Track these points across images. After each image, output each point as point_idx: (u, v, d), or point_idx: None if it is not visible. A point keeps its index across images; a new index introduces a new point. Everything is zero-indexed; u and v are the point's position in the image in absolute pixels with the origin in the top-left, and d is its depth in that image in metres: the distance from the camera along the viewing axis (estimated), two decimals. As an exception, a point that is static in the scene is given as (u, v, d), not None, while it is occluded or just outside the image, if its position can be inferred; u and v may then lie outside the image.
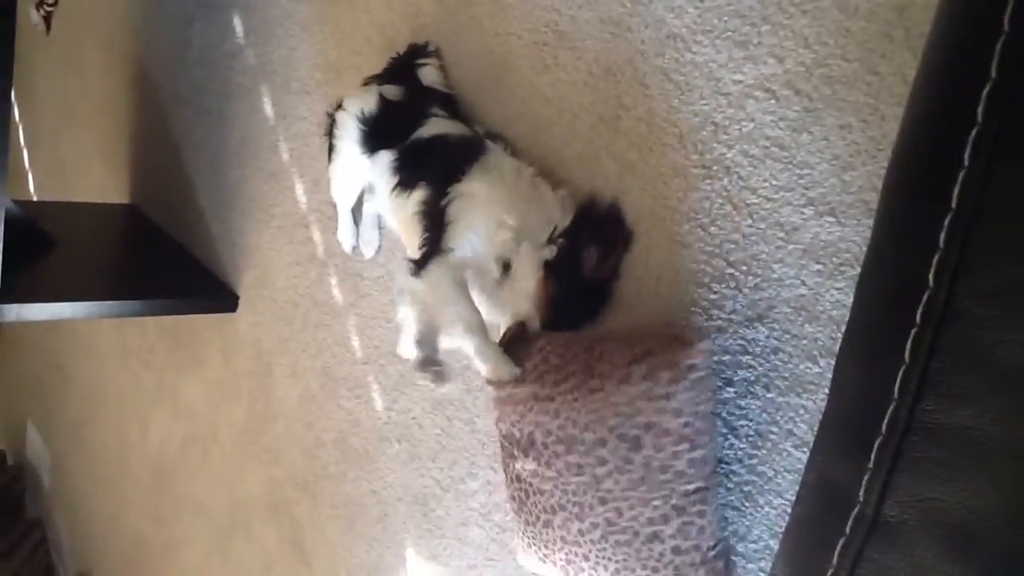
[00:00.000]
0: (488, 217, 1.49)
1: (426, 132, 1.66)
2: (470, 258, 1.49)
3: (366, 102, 1.77)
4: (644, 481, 1.20)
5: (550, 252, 1.44)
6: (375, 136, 1.75)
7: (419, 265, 1.50)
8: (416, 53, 1.87)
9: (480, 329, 1.42)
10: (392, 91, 1.78)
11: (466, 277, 1.49)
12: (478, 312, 1.45)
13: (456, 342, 1.44)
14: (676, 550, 1.20)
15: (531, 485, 1.37)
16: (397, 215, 1.69)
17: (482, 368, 1.41)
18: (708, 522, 1.20)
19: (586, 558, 1.30)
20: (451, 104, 1.81)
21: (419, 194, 1.59)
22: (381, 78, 1.90)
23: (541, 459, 1.33)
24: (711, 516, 1.21)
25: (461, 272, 1.48)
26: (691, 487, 1.19)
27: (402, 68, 1.88)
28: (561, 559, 1.34)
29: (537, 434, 1.33)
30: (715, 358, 1.29)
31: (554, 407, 1.29)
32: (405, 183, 1.64)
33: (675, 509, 1.20)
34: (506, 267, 1.49)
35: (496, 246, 1.48)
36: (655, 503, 1.20)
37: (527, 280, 1.45)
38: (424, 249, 1.53)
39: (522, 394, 1.36)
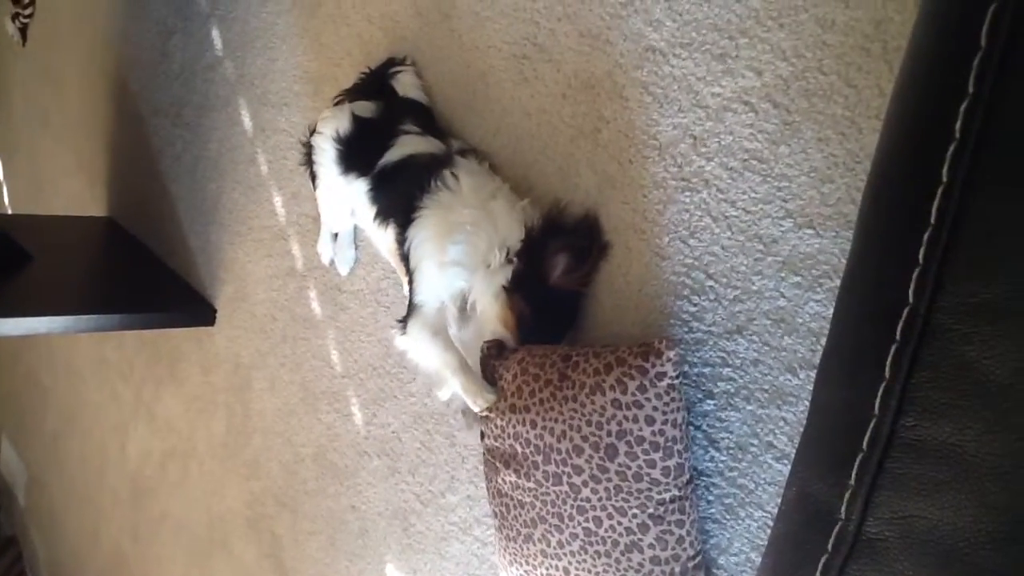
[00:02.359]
0: (435, 260, 1.51)
1: (395, 155, 1.65)
2: (438, 306, 1.54)
3: (339, 122, 1.75)
4: (620, 490, 1.21)
5: (504, 275, 1.44)
6: (351, 157, 1.74)
7: (403, 323, 1.55)
8: (391, 64, 1.86)
9: (461, 368, 1.49)
10: (365, 107, 1.77)
11: (446, 319, 1.56)
12: (458, 353, 1.51)
13: (449, 386, 1.54)
14: (655, 560, 1.20)
15: (512, 499, 1.37)
16: (382, 245, 1.72)
17: (468, 402, 1.47)
18: (687, 532, 1.20)
19: (567, 571, 1.29)
20: (427, 115, 1.80)
21: (391, 231, 1.62)
22: (352, 93, 1.89)
23: (521, 471, 1.33)
24: (689, 526, 1.21)
25: (439, 318, 1.54)
26: (667, 496, 1.19)
27: (375, 81, 1.87)
28: (542, 574, 1.34)
29: (517, 445, 1.34)
30: (695, 370, 1.29)
31: (531, 417, 1.30)
32: (381, 215, 1.65)
33: (652, 518, 1.20)
34: (465, 300, 1.52)
35: (447, 287, 1.51)
36: (633, 512, 1.21)
37: (489, 307, 1.46)
38: (408, 297, 1.58)
39: (503, 406, 1.36)
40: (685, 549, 1.21)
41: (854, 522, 0.60)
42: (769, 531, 1.19)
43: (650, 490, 1.19)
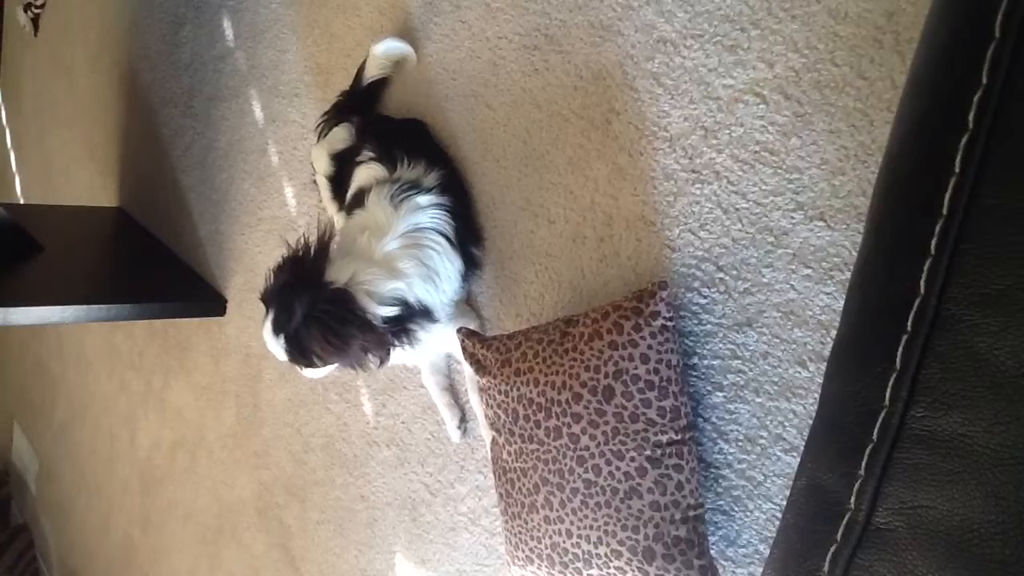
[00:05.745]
0: None
1: (352, 190, 1.71)
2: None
3: (320, 163, 1.84)
4: (618, 432, 1.23)
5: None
6: (341, 196, 1.79)
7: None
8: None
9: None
10: (339, 137, 1.82)
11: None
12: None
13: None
14: (655, 505, 1.21)
15: (515, 471, 1.39)
16: None
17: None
18: (686, 479, 1.21)
19: (568, 534, 1.30)
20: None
21: None
22: (336, 112, 1.96)
23: (525, 434, 1.36)
24: (688, 473, 1.21)
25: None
26: (664, 438, 1.21)
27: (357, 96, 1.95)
28: (546, 547, 1.34)
29: (519, 408, 1.37)
30: (705, 363, 1.29)
31: (534, 376, 1.34)
32: None
33: (650, 461, 1.21)
34: None
35: None
36: (630, 455, 1.22)
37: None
38: None
39: (507, 372, 1.40)
40: (685, 496, 1.21)
41: (863, 512, 0.60)
42: (778, 523, 1.20)
43: (647, 431, 1.21)
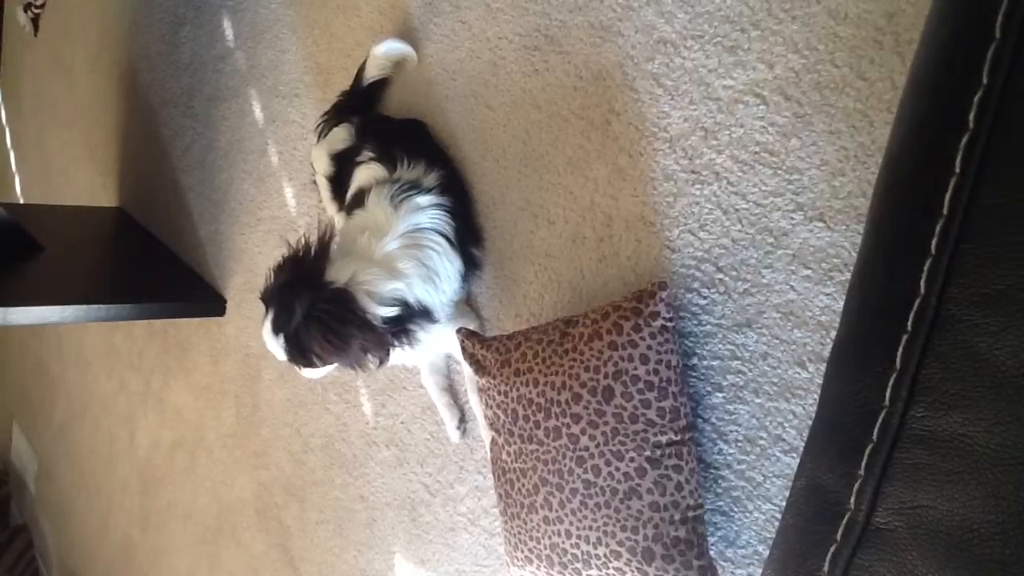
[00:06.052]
0: None
1: (352, 190, 1.71)
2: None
3: (320, 163, 1.84)
4: (617, 432, 1.23)
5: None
6: (341, 196, 1.79)
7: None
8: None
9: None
10: (339, 137, 1.82)
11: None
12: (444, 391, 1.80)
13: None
14: (654, 506, 1.21)
15: (515, 471, 1.40)
16: None
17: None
18: (685, 479, 1.21)
19: (568, 534, 1.30)
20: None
21: None
22: (336, 112, 1.96)
23: (524, 434, 1.36)
24: (688, 474, 1.21)
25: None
26: (663, 439, 1.21)
27: (357, 97, 1.95)
28: (545, 547, 1.34)
29: (519, 408, 1.37)
30: (704, 364, 1.29)
31: (533, 376, 1.34)
32: None
33: (650, 461, 1.21)
34: None
35: None
36: (630, 455, 1.22)
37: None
38: None
39: (507, 372, 1.40)
40: (684, 497, 1.21)
41: (863, 512, 0.60)
42: (777, 523, 1.20)
43: (646, 431, 1.21)
